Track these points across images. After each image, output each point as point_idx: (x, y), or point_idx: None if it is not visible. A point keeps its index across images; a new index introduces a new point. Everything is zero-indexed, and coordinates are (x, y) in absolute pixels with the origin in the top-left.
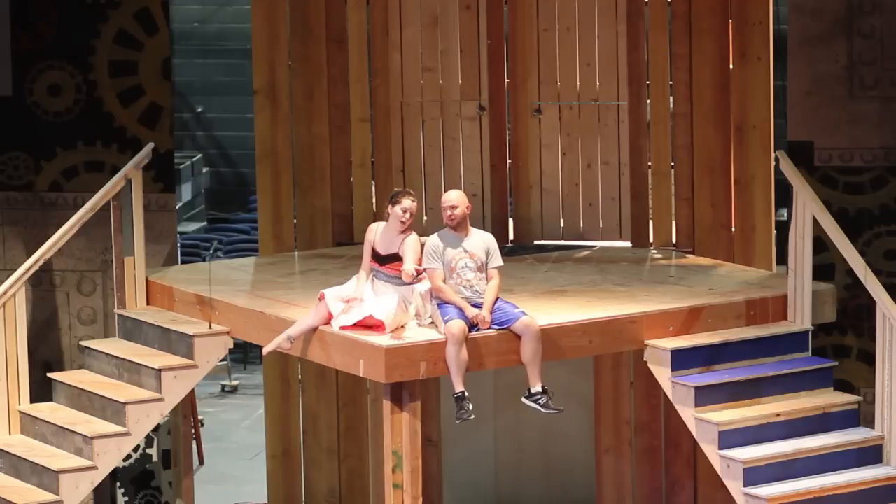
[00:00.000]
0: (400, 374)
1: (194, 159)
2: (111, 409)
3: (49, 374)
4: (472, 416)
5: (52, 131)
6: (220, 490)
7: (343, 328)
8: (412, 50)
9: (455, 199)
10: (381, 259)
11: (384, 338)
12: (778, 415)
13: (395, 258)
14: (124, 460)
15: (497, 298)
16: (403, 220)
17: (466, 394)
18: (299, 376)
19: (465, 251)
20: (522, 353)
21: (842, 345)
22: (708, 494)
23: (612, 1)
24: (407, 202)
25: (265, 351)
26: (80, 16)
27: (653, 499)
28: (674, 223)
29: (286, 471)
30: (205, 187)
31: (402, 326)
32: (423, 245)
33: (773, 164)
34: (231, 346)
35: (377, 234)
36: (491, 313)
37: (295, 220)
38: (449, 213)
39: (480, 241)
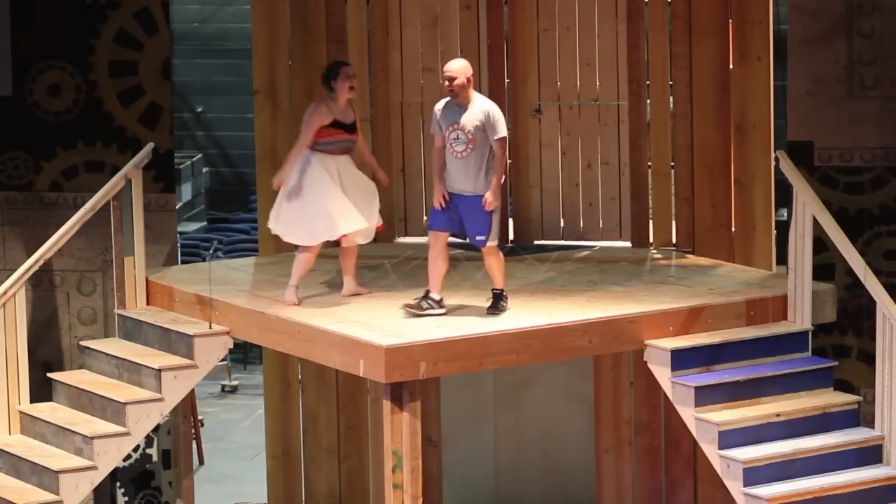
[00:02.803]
0: (400, 374)
1: (194, 159)
2: (111, 409)
3: (49, 374)
4: (441, 312)
5: (52, 131)
6: (220, 490)
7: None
8: (412, 50)
9: (453, 69)
10: (348, 128)
11: (384, 337)
12: (778, 415)
13: (356, 125)
14: (124, 460)
15: (501, 177)
16: (353, 85)
17: (435, 295)
18: (299, 376)
19: (458, 123)
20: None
21: (842, 345)
22: (708, 494)
23: (612, 1)
24: (349, 69)
25: (290, 301)
26: (80, 16)
27: (653, 499)
28: (674, 223)
29: (286, 471)
30: (205, 187)
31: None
32: None
33: (773, 164)
34: (231, 346)
35: (327, 111)
36: (495, 194)
37: None
38: (447, 83)
39: (478, 111)
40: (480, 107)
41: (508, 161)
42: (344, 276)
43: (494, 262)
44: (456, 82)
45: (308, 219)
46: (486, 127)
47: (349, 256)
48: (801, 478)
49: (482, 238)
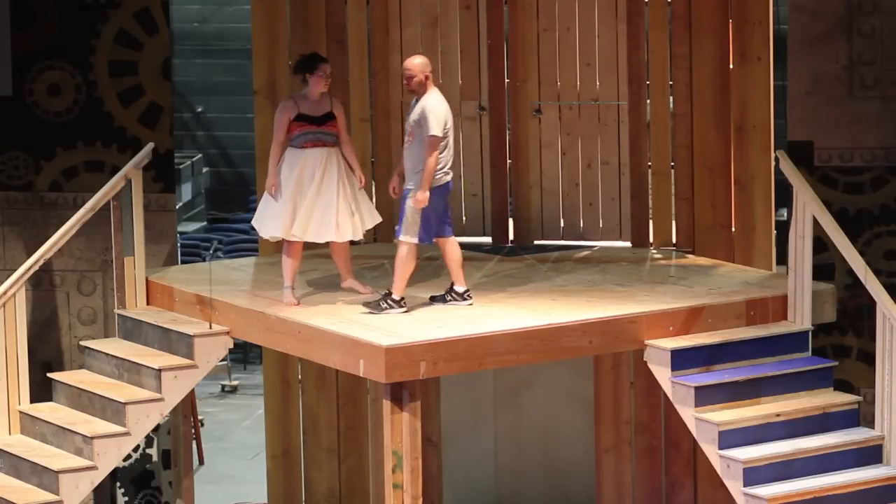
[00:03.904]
0: (400, 374)
1: (194, 159)
2: (111, 409)
3: (49, 374)
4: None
5: (52, 131)
6: (220, 490)
7: None
8: (412, 50)
9: (410, 67)
10: (317, 120)
11: (384, 337)
12: (778, 415)
13: (331, 116)
14: (124, 460)
15: (428, 176)
16: (327, 84)
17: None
18: (299, 376)
19: (408, 117)
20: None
21: (842, 345)
22: (708, 494)
23: (612, 1)
24: (327, 68)
25: (288, 302)
26: (80, 16)
27: (653, 499)
28: (674, 223)
29: (286, 471)
30: (205, 187)
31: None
32: None
33: (773, 164)
34: (231, 346)
35: (292, 106)
36: (419, 190)
37: None
38: (405, 81)
39: (420, 107)
40: (423, 103)
41: (509, 161)
42: (340, 273)
43: (397, 259)
44: (414, 80)
45: (263, 210)
46: (421, 123)
47: (338, 255)
48: (801, 478)
49: (397, 228)
